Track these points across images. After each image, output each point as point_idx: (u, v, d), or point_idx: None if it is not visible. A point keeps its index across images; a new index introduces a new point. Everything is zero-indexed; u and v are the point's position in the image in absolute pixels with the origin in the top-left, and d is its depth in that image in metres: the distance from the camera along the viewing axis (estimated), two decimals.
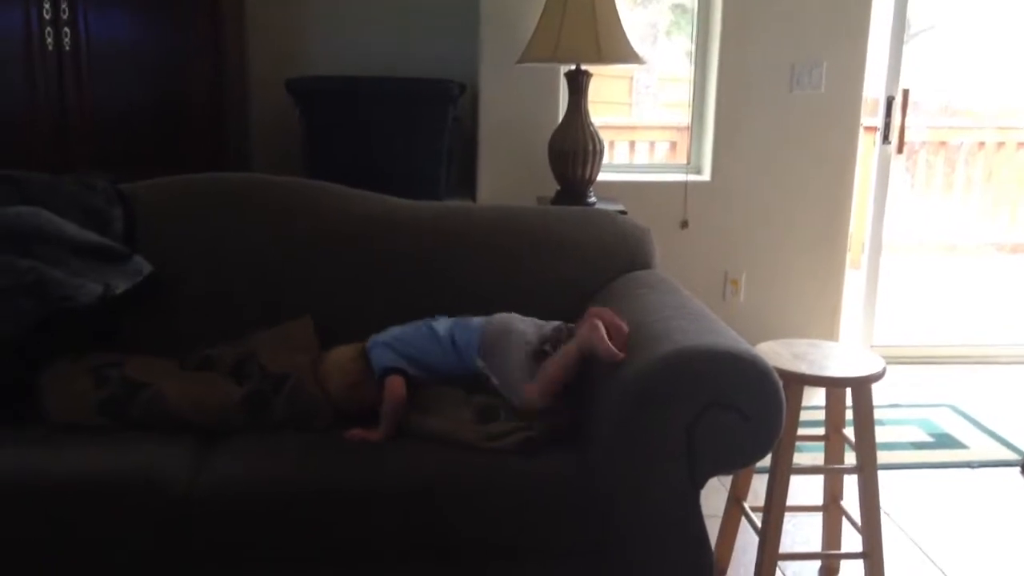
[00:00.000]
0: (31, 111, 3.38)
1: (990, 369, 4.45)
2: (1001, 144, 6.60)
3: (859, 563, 2.50)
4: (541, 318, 2.41)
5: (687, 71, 4.22)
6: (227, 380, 2.29)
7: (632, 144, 5.67)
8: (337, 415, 2.25)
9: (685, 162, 4.28)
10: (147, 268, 2.51)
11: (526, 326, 2.34)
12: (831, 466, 2.64)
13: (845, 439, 2.57)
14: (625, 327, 2.16)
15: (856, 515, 2.47)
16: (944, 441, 3.63)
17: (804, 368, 2.37)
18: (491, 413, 2.19)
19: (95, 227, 2.53)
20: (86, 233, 2.48)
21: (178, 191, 2.71)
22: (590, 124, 3.62)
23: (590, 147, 3.59)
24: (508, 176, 3.95)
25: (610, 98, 5.83)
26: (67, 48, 3.36)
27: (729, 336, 2.08)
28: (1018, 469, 3.39)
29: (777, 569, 2.45)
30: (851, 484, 2.53)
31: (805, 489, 2.99)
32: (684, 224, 4.11)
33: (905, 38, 4.22)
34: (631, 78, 5.90)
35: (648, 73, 5.65)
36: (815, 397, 3.13)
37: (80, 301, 2.33)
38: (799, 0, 3.96)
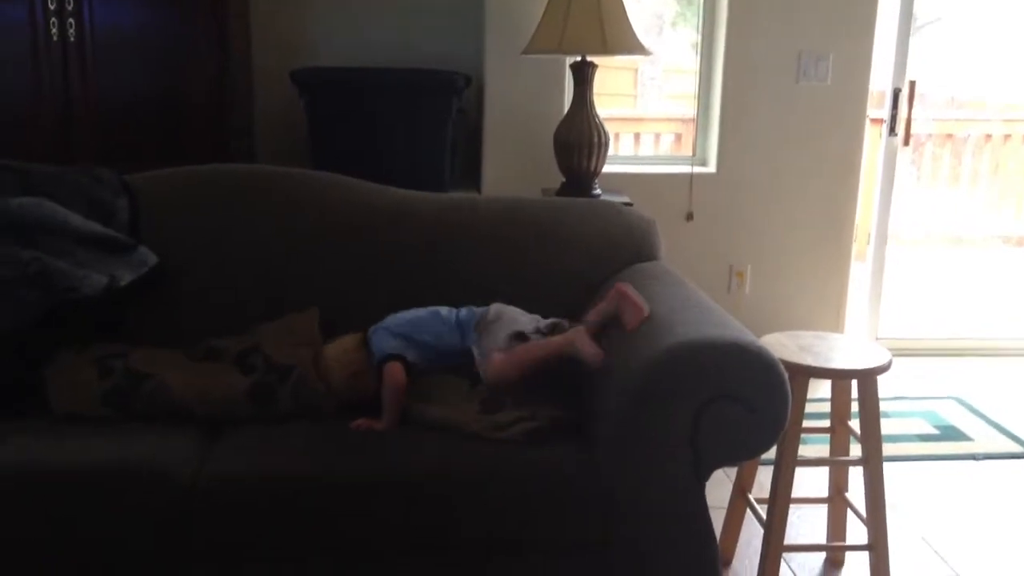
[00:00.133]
0: (35, 102, 3.38)
1: (996, 361, 4.44)
2: (1008, 136, 6.58)
3: (864, 555, 2.50)
4: (546, 310, 2.43)
5: (692, 63, 4.21)
6: (232, 371, 2.29)
7: (637, 136, 5.66)
8: (341, 405, 2.25)
9: (690, 154, 4.27)
10: (152, 259, 2.51)
11: (524, 319, 2.36)
12: (836, 458, 2.63)
13: (850, 431, 2.57)
14: (646, 309, 2.17)
15: (861, 507, 2.47)
16: (949, 433, 3.62)
17: (810, 360, 2.36)
18: (496, 403, 2.19)
19: (99, 218, 2.53)
20: (90, 224, 2.48)
21: (182, 182, 2.70)
22: (595, 116, 3.61)
23: (595, 139, 3.58)
24: (513, 168, 3.94)
25: (615, 90, 5.81)
26: (72, 39, 3.36)
27: (735, 328, 2.08)
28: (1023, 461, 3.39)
29: (782, 561, 2.45)
30: (856, 476, 2.53)
31: (810, 481, 2.99)
32: (689, 216, 4.11)
33: (912, 30, 4.21)
34: (636, 70, 5.88)
35: (653, 65, 5.63)
36: (820, 389, 3.11)
37: (85, 292, 2.33)
38: None
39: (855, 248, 4.32)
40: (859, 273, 4.45)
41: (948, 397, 3.98)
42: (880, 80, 4.25)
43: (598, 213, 2.77)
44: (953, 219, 6.68)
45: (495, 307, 2.40)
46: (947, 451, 3.47)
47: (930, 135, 6.49)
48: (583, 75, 3.60)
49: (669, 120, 5.67)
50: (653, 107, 5.90)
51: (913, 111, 4.26)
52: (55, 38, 3.34)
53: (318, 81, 3.62)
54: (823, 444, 2.78)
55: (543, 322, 2.36)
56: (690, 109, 4.26)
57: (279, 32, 3.99)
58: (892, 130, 4.28)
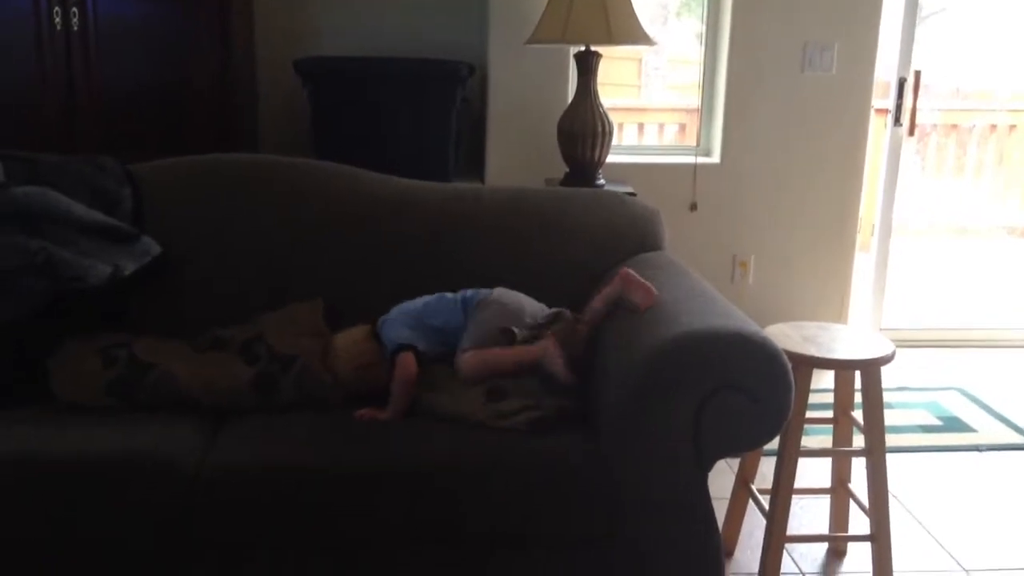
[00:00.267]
0: (39, 91, 3.38)
1: (999, 353, 4.44)
2: (1013, 127, 6.55)
3: (866, 546, 2.50)
4: (550, 299, 2.43)
5: (696, 53, 4.20)
6: (236, 361, 2.30)
7: (641, 126, 5.65)
8: (349, 396, 2.25)
9: (694, 144, 4.26)
10: (156, 249, 2.51)
11: (532, 305, 2.37)
12: (839, 449, 2.63)
13: (854, 422, 2.57)
14: (654, 289, 2.20)
15: (864, 498, 2.47)
16: (952, 424, 3.62)
17: (813, 351, 2.36)
18: (500, 392, 2.19)
19: (103, 207, 2.53)
20: (94, 213, 2.48)
21: (185, 172, 2.70)
22: (599, 106, 3.61)
23: (599, 129, 3.57)
24: (517, 158, 3.94)
25: (619, 80, 5.80)
26: (75, 28, 3.35)
27: (738, 318, 2.08)
28: None
29: (784, 551, 2.45)
30: (859, 467, 2.53)
31: (813, 471, 3.00)
32: (693, 206, 4.10)
33: (917, 20, 4.19)
34: (640, 60, 5.86)
35: (657, 55, 5.61)
36: (824, 380, 3.12)
37: (89, 282, 2.34)
38: None
39: (859, 238, 4.32)
40: (863, 264, 4.44)
41: (951, 388, 3.98)
42: (885, 70, 4.24)
43: (602, 203, 2.77)
44: (958, 210, 6.66)
45: (498, 292, 2.40)
46: (950, 442, 3.47)
47: (935, 125, 6.47)
48: (587, 65, 3.59)
49: (673, 110, 5.66)
50: (657, 97, 5.89)
51: (918, 101, 4.24)
52: (58, 27, 3.33)
53: (321, 71, 3.61)
54: (826, 435, 2.78)
55: (544, 313, 2.36)
56: (694, 99, 4.25)
57: (282, 21, 3.98)
58: (897, 120, 4.27)
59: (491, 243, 2.64)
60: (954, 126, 6.55)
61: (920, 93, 4.24)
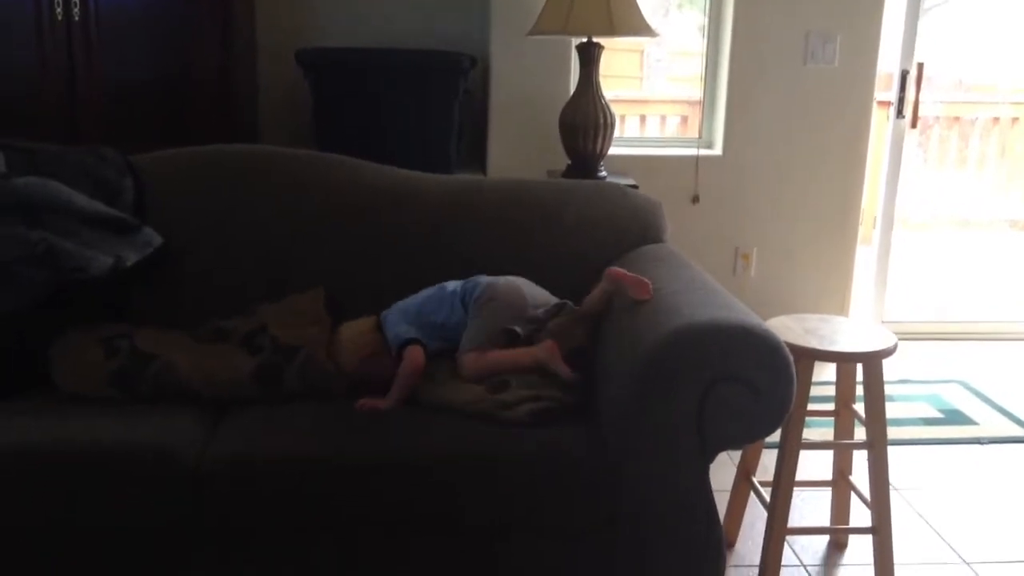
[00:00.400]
0: (40, 81, 3.36)
1: (1001, 345, 4.43)
2: (1015, 119, 6.54)
3: (868, 538, 2.50)
4: (551, 291, 2.43)
5: (698, 45, 4.19)
6: (238, 352, 2.30)
7: (643, 118, 5.65)
8: (352, 386, 2.25)
9: (697, 136, 4.25)
10: (157, 240, 2.51)
11: (533, 293, 2.37)
12: (841, 441, 2.63)
13: (855, 414, 2.57)
14: (643, 279, 2.21)
15: (865, 490, 2.47)
16: (954, 417, 3.62)
17: (815, 343, 2.36)
18: (502, 383, 2.19)
19: (105, 198, 2.52)
20: (96, 204, 2.48)
21: (186, 163, 2.70)
22: (602, 97, 3.60)
23: (601, 120, 3.56)
24: (519, 149, 3.93)
25: (621, 72, 5.79)
26: (76, 18, 3.34)
27: (740, 310, 2.07)
28: None
29: (785, 543, 2.45)
30: (860, 459, 2.53)
31: (814, 464, 3.00)
32: (695, 199, 4.09)
33: (920, 12, 4.18)
34: (642, 52, 5.86)
35: (659, 47, 5.61)
36: (825, 372, 3.12)
37: (92, 273, 2.33)
38: None
39: (861, 231, 4.31)
40: (865, 256, 4.44)
41: (953, 381, 3.98)
42: (888, 62, 4.23)
43: (604, 195, 2.77)
44: (960, 202, 6.65)
45: (499, 285, 2.38)
46: (952, 435, 3.47)
47: (937, 118, 6.47)
48: (589, 56, 3.58)
49: (675, 102, 5.65)
50: (659, 89, 5.89)
51: (921, 93, 4.24)
52: (60, 18, 3.32)
53: (323, 61, 3.60)
54: (827, 427, 2.77)
55: (549, 304, 2.36)
56: (696, 91, 4.24)
57: (284, 12, 3.97)
58: (899, 113, 4.26)
59: (492, 235, 2.64)
60: (957, 118, 6.54)
61: (923, 85, 4.23)
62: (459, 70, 3.60)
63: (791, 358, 1.97)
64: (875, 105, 4.16)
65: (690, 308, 2.06)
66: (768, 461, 2.58)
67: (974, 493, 3.04)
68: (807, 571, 2.60)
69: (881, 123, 4.59)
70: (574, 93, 3.66)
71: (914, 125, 4.31)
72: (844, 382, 2.59)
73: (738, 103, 4.04)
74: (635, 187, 3.17)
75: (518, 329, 2.30)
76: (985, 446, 3.39)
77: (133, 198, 2.58)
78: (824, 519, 2.81)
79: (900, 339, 2.49)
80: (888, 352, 2.36)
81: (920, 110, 4.27)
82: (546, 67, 3.89)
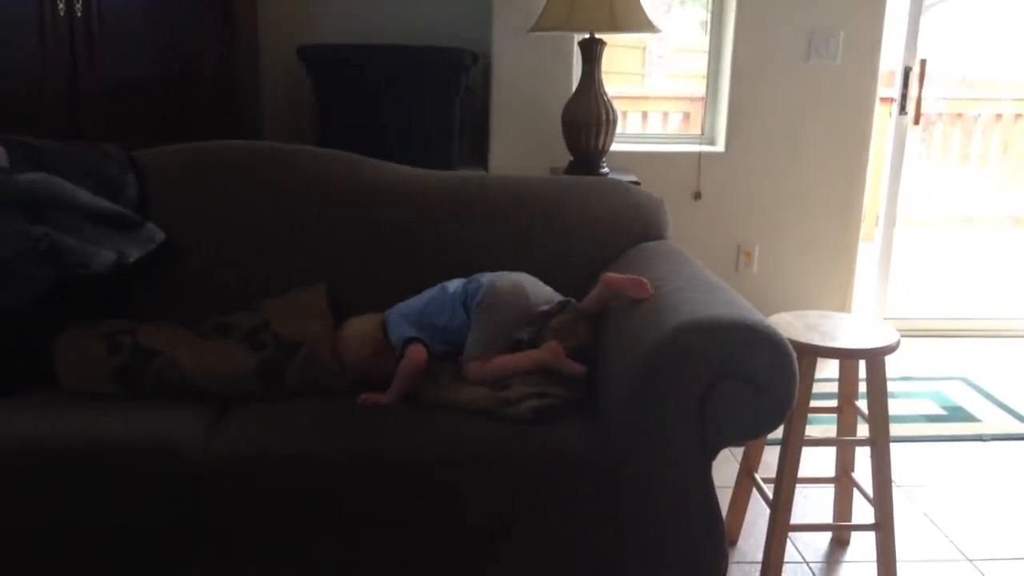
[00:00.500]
0: (42, 78, 3.37)
1: (1004, 342, 4.43)
2: (1018, 116, 6.54)
3: (870, 535, 2.50)
4: (553, 288, 2.42)
5: (700, 41, 4.19)
6: (241, 348, 2.29)
7: (645, 115, 5.64)
8: (354, 384, 2.25)
9: (699, 133, 4.25)
10: (160, 236, 2.51)
11: (536, 291, 2.36)
12: (843, 438, 2.63)
13: (858, 411, 2.56)
14: (641, 279, 2.21)
15: (868, 487, 2.47)
16: (957, 414, 3.62)
17: (817, 340, 2.35)
18: (504, 382, 2.19)
19: (107, 194, 2.52)
20: (99, 200, 2.48)
21: (187, 159, 2.70)
22: (604, 94, 3.60)
23: (603, 117, 3.56)
24: (520, 146, 3.93)
25: (623, 68, 5.79)
26: (78, 14, 3.34)
27: (742, 307, 2.07)
28: None
29: (788, 540, 2.45)
30: (863, 456, 2.53)
31: (816, 461, 3.00)
32: (697, 195, 4.09)
33: (922, 8, 4.17)
34: (644, 48, 5.85)
35: (662, 43, 5.60)
36: (828, 369, 3.12)
37: (94, 269, 2.33)
38: None
39: (863, 228, 4.31)
40: (867, 253, 4.43)
41: (955, 378, 3.98)
42: (890, 59, 4.22)
43: (606, 192, 2.76)
44: (962, 199, 6.65)
45: (501, 286, 2.36)
46: (954, 432, 3.47)
47: (940, 114, 6.46)
48: (591, 53, 3.57)
49: (677, 99, 5.65)
50: (661, 86, 5.88)
51: (923, 90, 4.23)
52: (62, 14, 3.32)
53: (325, 58, 3.60)
54: (830, 424, 2.77)
55: (553, 301, 2.36)
56: (698, 88, 4.24)
57: (286, 8, 3.97)
58: (902, 109, 4.26)
59: (494, 232, 2.63)
60: (959, 115, 6.53)
61: (925, 82, 4.22)
62: (461, 67, 3.59)
63: (794, 355, 1.97)
64: (878, 102, 4.15)
65: (692, 305, 2.06)
66: (770, 457, 2.58)
67: (976, 490, 3.04)
68: (809, 568, 2.60)
69: (884, 120, 4.59)
70: (576, 90, 3.65)
71: (917, 122, 4.30)
72: (846, 379, 2.59)
73: (740, 100, 4.03)
74: (637, 184, 3.16)
75: (524, 337, 2.30)
76: (987, 443, 3.39)
77: (136, 194, 2.58)
78: (827, 516, 2.80)
79: (902, 336, 2.49)
80: (890, 349, 2.35)
81: (923, 106, 4.26)
82: (548, 64, 3.88)
